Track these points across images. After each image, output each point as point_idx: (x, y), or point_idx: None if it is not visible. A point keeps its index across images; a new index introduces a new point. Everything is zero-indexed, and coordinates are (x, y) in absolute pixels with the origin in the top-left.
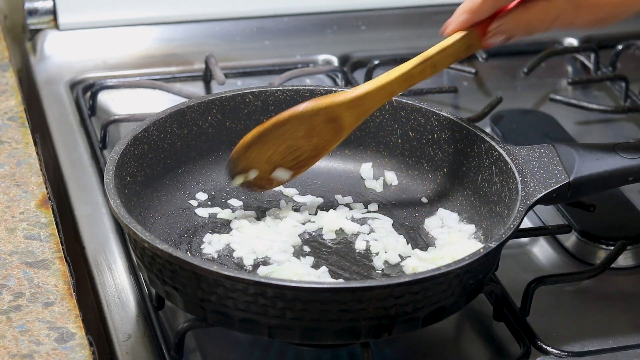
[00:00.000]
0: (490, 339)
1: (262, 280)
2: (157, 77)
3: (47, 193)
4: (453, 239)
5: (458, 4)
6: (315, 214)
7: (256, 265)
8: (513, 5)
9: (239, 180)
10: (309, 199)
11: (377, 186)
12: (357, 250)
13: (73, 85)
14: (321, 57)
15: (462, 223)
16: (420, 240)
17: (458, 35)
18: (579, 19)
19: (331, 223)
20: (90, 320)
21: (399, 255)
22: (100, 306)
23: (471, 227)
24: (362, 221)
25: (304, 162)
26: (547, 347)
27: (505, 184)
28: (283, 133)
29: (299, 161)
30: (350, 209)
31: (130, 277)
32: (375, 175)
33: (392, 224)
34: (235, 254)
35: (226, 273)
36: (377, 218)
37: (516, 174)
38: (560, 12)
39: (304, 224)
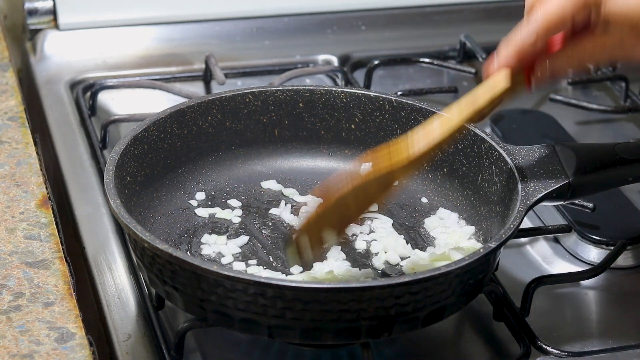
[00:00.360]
0: (490, 339)
1: (262, 280)
2: (157, 77)
3: (47, 193)
4: (453, 239)
5: (458, 4)
6: None
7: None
8: (563, 39)
9: (293, 259)
10: (309, 198)
11: None
12: (357, 250)
13: (73, 85)
14: (321, 57)
15: (462, 223)
16: (420, 240)
17: (504, 82)
18: (639, 50)
19: None
20: (90, 320)
21: (399, 255)
22: (100, 306)
23: (471, 227)
24: (362, 221)
25: (350, 218)
26: (547, 347)
27: (505, 184)
28: (339, 204)
29: (344, 219)
30: None
31: (130, 277)
32: None
33: (392, 224)
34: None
35: (226, 273)
36: (377, 218)
37: (516, 174)
38: (618, 45)
39: None
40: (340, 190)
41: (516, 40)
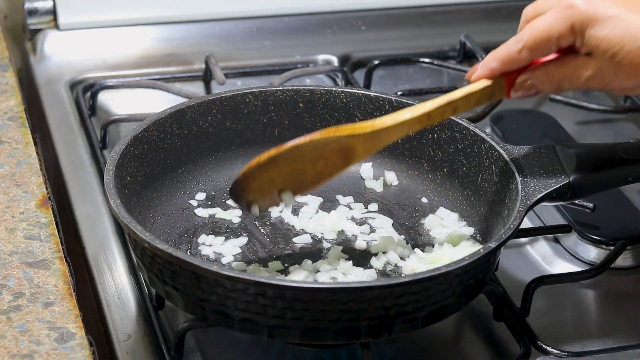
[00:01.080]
0: (490, 339)
1: (262, 280)
2: (157, 77)
3: (47, 193)
4: (453, 239)
5: (458, 4)
6: (316, 212)
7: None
8: (547, 59)
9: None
10: (309, 198)
11: (377, 186)
12: (357, 250)
13: (73, 85)
14: (321, 57)
15: (461, 223)
16: (420, 240)
17: (484, 83)
18: (617, 81)
19: (332, 223)
20: (90, 320)
21: (399, 255)
22: (100, 306)
23: (471, 227)
24: (362, 221)
25: (305, 186)
26: (547, 347)
27: (505, 184)
28: (294, 157)
29: (300, 185)
30: (351, 209)
31: (130, 277)
32: (375, 175)
33: (392, 224)
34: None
35: (226, 273)
36: (377, 218)
37: (516, 174)
38: (597, 72)
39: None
40: (297, 141)
41: (503, 48)
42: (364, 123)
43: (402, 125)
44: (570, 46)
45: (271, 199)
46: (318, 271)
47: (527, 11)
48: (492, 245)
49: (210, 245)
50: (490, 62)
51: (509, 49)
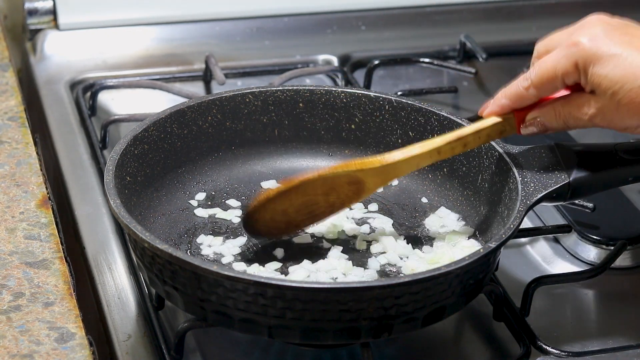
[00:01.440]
0: (490, 339)
1: (262, 280)
2: (157, 77)
3: (47, 193)
4: (453, 239)
5: (458, 4)
6: None
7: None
8: (556, 97)
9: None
10: None
11: None
12: (357, 250)
13: (73, 85)
14: (321, 57)
15: (461, 223)
16: (420, 240)
17: (494, 119)
18: (619, 120)
19: (332, 223)
20: (90, 320)
21: (399, 255)
22: (100, 306)
23: (471, 227)
24: (362, 221)
25: (318, 216)
26: (547, 347)
27: (505, 184)
28: (304, 190)
29: (312, 215)
30: (351, 209)
31: (130, 277)
32: None
33: (392, 224)
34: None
35: (226, 273)
36: (377, 218)
37: (516, 174)
38: (599, 110)
39: None
40: (306, 177)
41: (512, 85)
42: (373, 157)
43: (411, 160)
44: (578, 84)
45: (285, 230)
46: (318, 271)
47: (538, 47)
48: (492, 245)
49: (210, 246)
50: (500, 99)
51: (517, 87)
